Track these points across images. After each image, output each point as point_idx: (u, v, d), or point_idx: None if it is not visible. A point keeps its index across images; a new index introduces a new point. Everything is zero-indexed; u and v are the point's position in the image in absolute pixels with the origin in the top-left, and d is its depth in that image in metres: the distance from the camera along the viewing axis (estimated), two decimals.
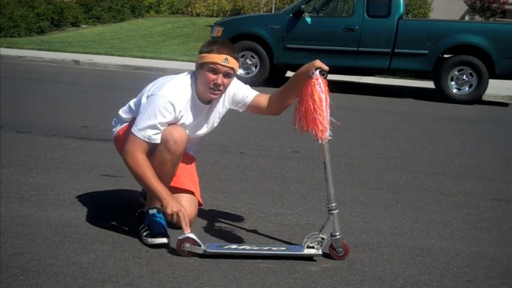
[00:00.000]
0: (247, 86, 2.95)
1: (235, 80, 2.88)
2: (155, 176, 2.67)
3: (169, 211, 2.61)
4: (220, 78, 2.70)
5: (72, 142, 4.83)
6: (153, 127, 2.65)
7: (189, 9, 21.81)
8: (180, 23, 19.62)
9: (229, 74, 2.73)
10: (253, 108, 2.92)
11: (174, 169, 2.79)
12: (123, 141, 2.90)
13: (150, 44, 15.91)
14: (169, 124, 2.70)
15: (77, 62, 12.39)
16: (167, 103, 2.66)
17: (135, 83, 9.16)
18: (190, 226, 2.66)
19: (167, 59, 13.45)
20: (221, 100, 2.88)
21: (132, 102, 2.91)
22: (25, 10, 16.61)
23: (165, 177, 2.73)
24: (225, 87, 2.76)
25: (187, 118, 2.78)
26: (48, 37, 16.36)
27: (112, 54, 13.74)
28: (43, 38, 15.95)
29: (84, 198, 3.35)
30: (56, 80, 9.54)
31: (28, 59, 12.43)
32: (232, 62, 2.71)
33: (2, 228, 2.79)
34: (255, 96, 2.90)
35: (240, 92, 2.90)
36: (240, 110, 2.99)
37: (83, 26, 18.67)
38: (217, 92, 2.74)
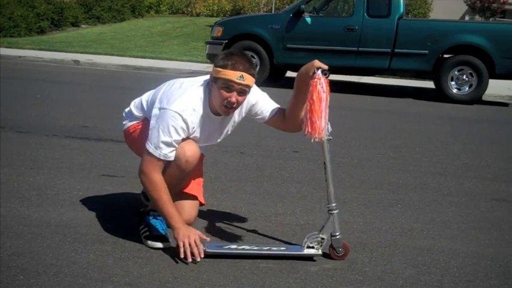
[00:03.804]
0: (269, 97, 2.83)
1: (256, 89, 2.78)
2: (170, 200, 2.63)
3: (180, 242, 2.56)
4: (234, 97, 2.60)
5: (72, 142, 4.83)
6: (168, 144, 2.59)
7: (189, 9, 21.81)
8: (180, 23, 19.62)
9: (244, 91, 2.62)
10: (273, 123, 2.82)
11: (181, 183, 2.78)
12: (134, 141, 2.88)
13: (150, 44, 15.91)
14: (183, 139, 2.65)
15: (77, 62, 12.40)
16: (181, 121, 2.58)
17: (135, 83, 9.21)
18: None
19: (167, 59, 13.45)
20: (238, 109, 2.75)
21: (144, 100, 2.86)
22: (25, 10, 16.62)
23: (170, 189, 2.67)
24: (239, 104, 2.67)
25: (200, 132, 2.73)
26: (48, 37, 16.37)
27: (112, 54, 13.76)
28: (43, 38, 15.96)
29: (84, 198, 3.35)
30: (56, 80, 9.54)
31: (28, 59, 12.43)
32: (248, 79, 2.59)
33: (2, 228, 2.79)
34: (276, 112, 2.79)
35: (260, 104, 2.79)
36: (258, 122, 2.89)
37: (83, 26, 18.68)
38: (231, 110, 2.66)
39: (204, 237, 2.65)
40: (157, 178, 2.62)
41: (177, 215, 2.65)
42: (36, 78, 9.38)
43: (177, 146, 2.63)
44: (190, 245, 2.55)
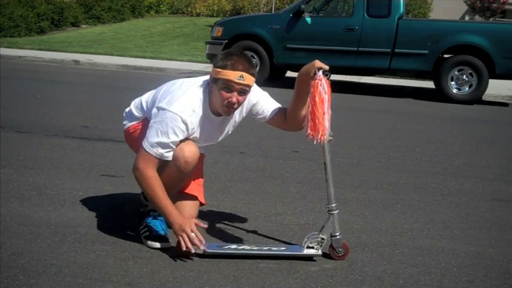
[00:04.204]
0: (269, 97, 2.83)
1: (257, 88, 2.78)
2: (165, 194, 2.62)
3: (178, 236, 2.57)
4: (235, 97, 2.59)
5: (72, 142, 4.83)
6: (166, 145, 2.58)
7: (189, 9, 21.81)
8: (180, 23, 19.63)
9: (244, 91, 2.62)
10: (274, 123, 2.82)
11: (180, 184, 2.77)
12: (135, 141, 2.87)
13: (150, 44, 15.92)
14: (182, 140, 2.64)
15: (77, 62, 12.40)
16: (180, 122, 2.58)
17: (135, 83, 9.21)
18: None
19: (167, 59, 13.44)
20: (238, 109, 2.75)
21: (144, 100, 2.86)
22: (25, 10, 16.62)
23: (169, 189, 2.67)
24: (240, 104, 2.66)
25: (200, 132, 2.72)
26: (48, 37, 16.37)
27: (112, 54, 13.76)
28: (43, 38, 15.96)
29: (84, 198, 3.35)
30: (56, 80, 9.54)
31: (28, 59, 12.43)
32: (248, 79, 2.58)
33: (2, 228, 2.79)
34: (277, 111, 2.79)
35: (261, 103, 2.79)
36: (259, 121, 2.88)
37: (83, 26, 18.68)
38: (232, 109, 2.65)
39: (201, 224, 2.65)
40: (151, 174, 2.61)
41: (174, 210, 2.63)
42: (36, 78, 9.38)
43: (174, 147, 2.62)
44: (189, 237, 2.55)
